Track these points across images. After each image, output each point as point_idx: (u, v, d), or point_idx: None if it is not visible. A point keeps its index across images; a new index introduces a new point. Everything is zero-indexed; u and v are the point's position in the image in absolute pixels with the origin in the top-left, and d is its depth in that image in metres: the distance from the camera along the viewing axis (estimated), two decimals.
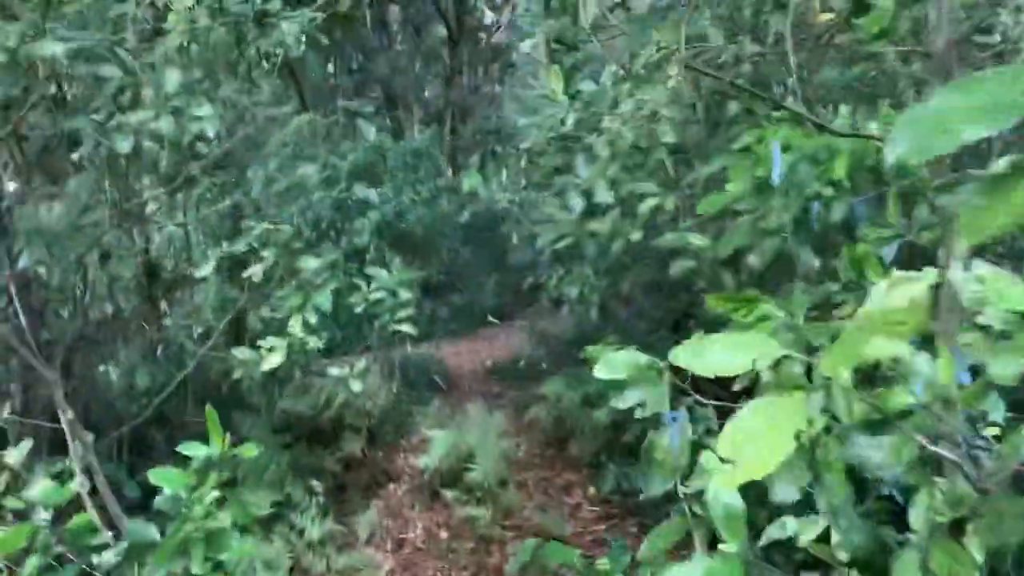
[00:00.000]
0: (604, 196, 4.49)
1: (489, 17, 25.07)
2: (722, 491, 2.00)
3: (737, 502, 2.03)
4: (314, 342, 4.50)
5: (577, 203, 4.49)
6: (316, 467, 6.43)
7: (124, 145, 3.81)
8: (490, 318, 14.04)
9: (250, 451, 2.94)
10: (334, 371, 5.18)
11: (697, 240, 3.93)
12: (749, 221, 3.12)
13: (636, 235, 4.57)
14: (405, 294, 5.14)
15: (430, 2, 23.51)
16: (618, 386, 2.42)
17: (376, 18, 24.23)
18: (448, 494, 5.50)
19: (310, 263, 4.22)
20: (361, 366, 5.00)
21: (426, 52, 25.61)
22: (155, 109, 3.94)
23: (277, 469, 5.46)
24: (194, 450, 2.88)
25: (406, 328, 4.84)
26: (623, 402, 2.61)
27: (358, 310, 4.97)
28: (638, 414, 2.40)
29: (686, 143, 4.62)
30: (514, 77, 27.53)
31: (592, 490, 5.81)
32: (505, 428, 6.18)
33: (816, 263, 2.79)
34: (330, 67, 26.33)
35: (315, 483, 6.19)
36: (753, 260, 3.06)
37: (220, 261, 4.81)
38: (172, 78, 4.01)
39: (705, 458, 2.10)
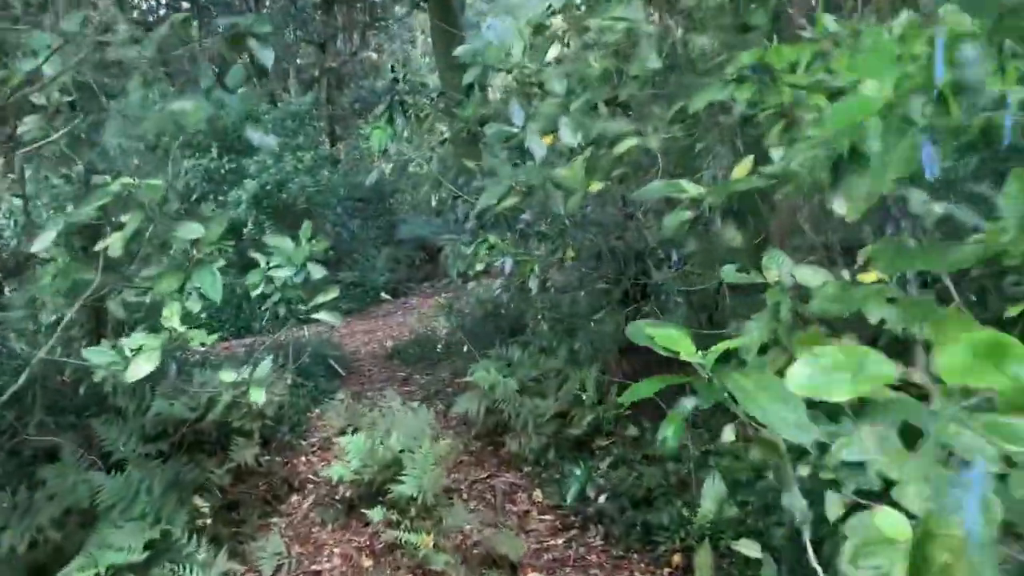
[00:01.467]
0: (569, 138, 3.46)
1: None
2: None
3: None
4: (200, 337, 3.28)
5: (538, 148, 3.44)
6: (200, 482, 5.15)
7: None
8: (383, 295, 12.81)
9: None
10: (226, 376, 3.95)
11: (691, 189, 2.95)
12: (819, 143, 2.15)
13: (597, 186, 3.54)
14: (318, 271, 3.98)
15: None
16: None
17: None
18: (370, 513, 4.38)
19: (190, 230, 2.99)
20: (263, 370, 3.78)
21: (298, 16, 23.62)
22: None
23: (149, 498, 4.17)
24: None
25: (325, 316, 3.67)
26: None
27: (256, 292, 3.75)
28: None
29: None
30: (392, 42, 25.97)
31: (539, 494, 4.83)
32: (431, 424, 5.10)
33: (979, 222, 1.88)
34: (193, 31, 23.92)
35: (200, 502, 4.92)
36: (843, 206, 2.09)
37: (63, 232, 3.46)
38: None
39: None
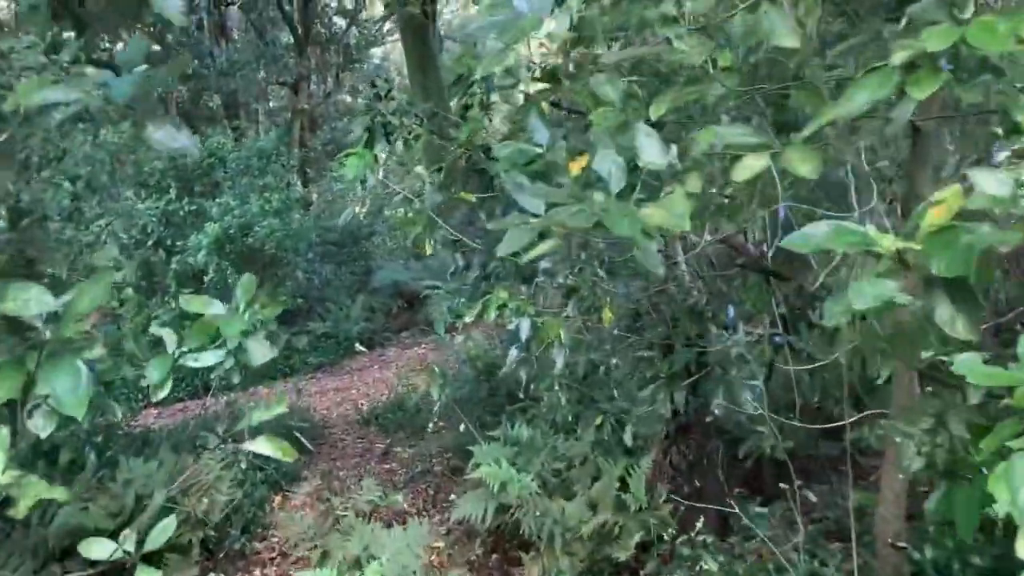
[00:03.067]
0: (656, 155, 2.16)
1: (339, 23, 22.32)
2: None
3: None
4: (34, 491, 1.89)
5: (615, 172, 2.13)
6: None
7: None
8: (358, 347, 11.37)
9: None
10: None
11: (886, 239, 1.60)
12: None
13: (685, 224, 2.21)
14: (262, 349, 2.70)
15: (274, 5, 20.49)
16: None
17: (215, 23, 20.97)
18: None
19: (27, 299, 1.64)
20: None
21: (270, 58, 22.40)
22: None
23: None
24: None
25: (265, 447, 2.27)
26: None
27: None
28: None
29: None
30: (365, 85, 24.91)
31: None
32: (427, 545, 3.70)
33: None
34: None
35: None
36: None
37: None
38: None
39: None
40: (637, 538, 3.52)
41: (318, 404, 8.74)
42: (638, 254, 2.04)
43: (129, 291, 10.20)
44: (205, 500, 4.26)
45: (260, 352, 2.26)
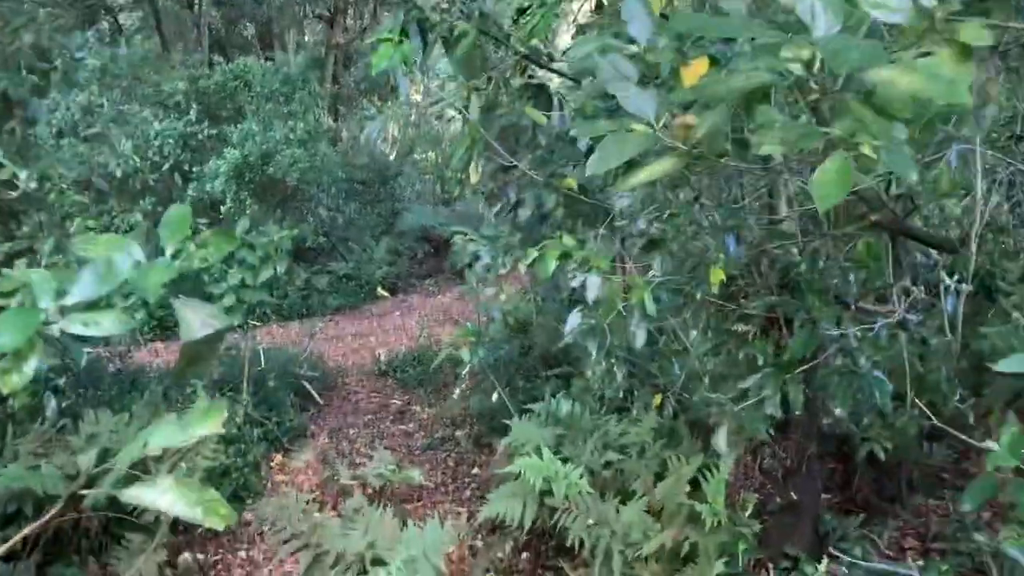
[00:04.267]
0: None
1: None
2: None
3: None
4: None
5: (825, 8, 1.17)
6: None
7: None
8: (380, 291, 10.50)
9: None
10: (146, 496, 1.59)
11: None
12: None
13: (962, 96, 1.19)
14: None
15: None
16: None
17: None
18: None
19: None
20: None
21: None
22: None
23: None
24: None
25: None
26: None
27: None
28: None
29: None
30: None
31: None
32: (448, 538, 2.85)
33: None
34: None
35: None
36: None
37: None
38: None
39: None
40: (720, 567, 2.64)
41: (333, 350, 7.92)
42: (877, 152, 1.08)
43: (138, 216, 9.39)
44: (183, 465, 3.44)
45: (196, 322, 1.31)
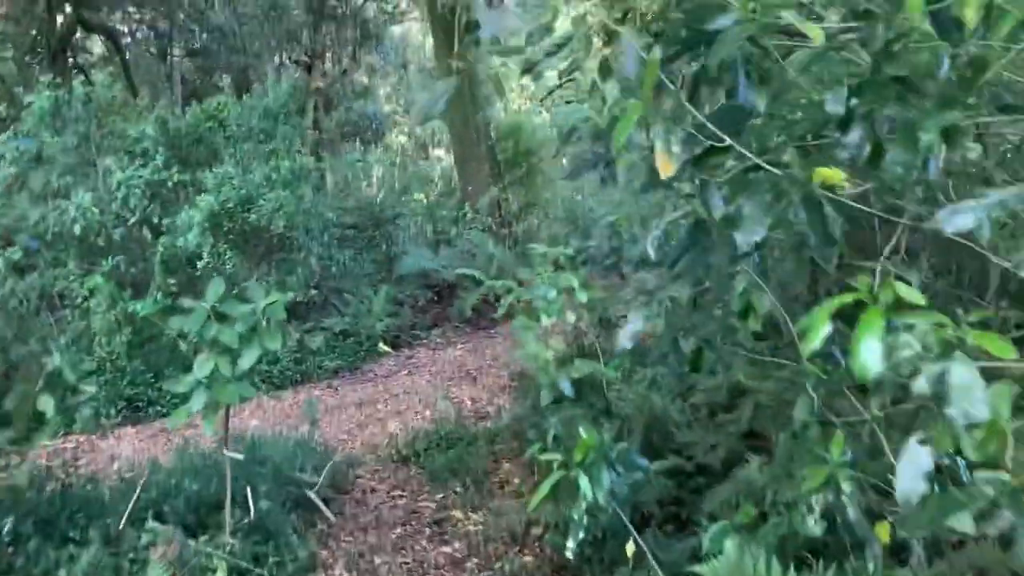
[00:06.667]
0: None
1: None
2: None
3: None
4: None
5: None
6: None
7: None
8: (382, 346, 8.90)
9: None
10: None
11: None
12: None
13: None
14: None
15: None
16: None
17: None
18: None
19: None
20: None
21: (283, 33, 19.93)
22: None
23: None
24: None
25: None
26: None
27: None
28: None
29: None
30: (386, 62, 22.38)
31: None
32: None
33: None
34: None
35: None
36: None
37: None
38: None
39: None
40: None
41: (336, 428, 6.29)
42: None
43: (98, 279, 7.71)
44: None
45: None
